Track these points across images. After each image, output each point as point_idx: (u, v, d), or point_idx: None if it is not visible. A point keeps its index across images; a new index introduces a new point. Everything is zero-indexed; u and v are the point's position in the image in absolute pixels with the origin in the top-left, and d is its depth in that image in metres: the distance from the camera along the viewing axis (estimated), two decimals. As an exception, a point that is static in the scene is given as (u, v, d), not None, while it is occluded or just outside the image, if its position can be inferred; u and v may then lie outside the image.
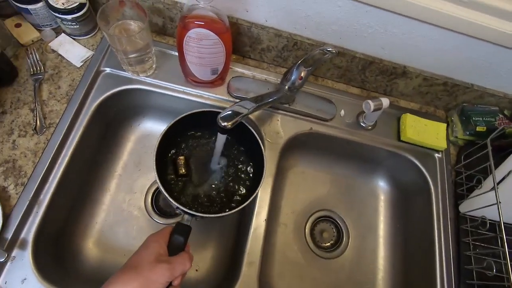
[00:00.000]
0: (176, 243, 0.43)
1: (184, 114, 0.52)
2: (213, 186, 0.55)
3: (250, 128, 0.52)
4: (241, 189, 0.55)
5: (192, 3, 0.47)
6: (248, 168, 0.57)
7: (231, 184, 0.56)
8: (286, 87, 0.58)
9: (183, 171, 0.53)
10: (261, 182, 0.49)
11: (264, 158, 0.51)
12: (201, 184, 0.55)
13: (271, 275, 0.65)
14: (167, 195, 0.45)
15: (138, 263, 0.39)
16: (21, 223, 0.48)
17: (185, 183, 0.54)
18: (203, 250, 0.63)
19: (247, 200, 0.48)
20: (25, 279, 0.46)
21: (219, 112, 0.44)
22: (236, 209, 0.47)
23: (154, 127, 0.71)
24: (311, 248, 0.69)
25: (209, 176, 0.56)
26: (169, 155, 0.55)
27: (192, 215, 0.46)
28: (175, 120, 0.51)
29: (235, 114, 0.44)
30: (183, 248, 0.44)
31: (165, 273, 0.38)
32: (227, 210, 0.47)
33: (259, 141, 0.52)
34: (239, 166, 0.57)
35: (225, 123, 0.43)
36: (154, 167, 0.47)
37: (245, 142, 0.57)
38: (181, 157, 0.54)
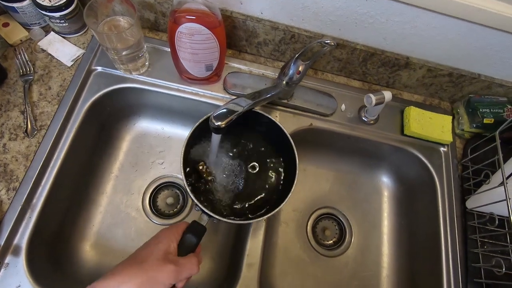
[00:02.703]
0: (188, 243, 0.41)
1: (206, 116, 0.48)
2: (235, 188, 0.53)
3: (284, 129, 0.50)
4: (265, 194, 0.54)
5: (182, -4, 0.45)
6: (274, 172, 0.55)
7: (254, 187, 0.54)
8: (284, 82, 0.56)
9: (209, 177, 0.52)
10: (291, 191, 0.47)
11: (297, 163, 0.48)
12: (223, 186, 0.53)
13: (273, 274, 0.63)
14: (191, 194, 0.43)
15: (145, 258, 0.37)
16: (14, 229, 0.47)
17: (206, 184, 0.53)
18: (203, 249, 0.62)
19: (273, 207, 0.46)
20: (19, 286, 0.45)
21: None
22: (262, 218, 0.46)
23: (150, 126, 0.69)
24: (313, 247, 0.68)
25: (231, 177, 0.54)
26: (191, 152, 0.53)
27: (211, 217, 0.44)
28: (196, 124, 0.48)
29: (229, 112, 0.42)
30: (194, 249, 0.42)
31: (171, 275, 0.36)
32: (250, 216, 0.46)
33: (293, 145, 0.50)
34: (265, 170, 0.55)
35: (219, 123, 0.41)
36: (182, 168, 0.45)
37: (276, 144, 0.55)
38: (201, 163, 0.52)
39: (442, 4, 0.48)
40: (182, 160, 0.45)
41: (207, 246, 0.62)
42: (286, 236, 0.67)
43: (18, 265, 0.46)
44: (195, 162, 0.52)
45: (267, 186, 0.54)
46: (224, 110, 0.42)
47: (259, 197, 0.53)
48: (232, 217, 0.48)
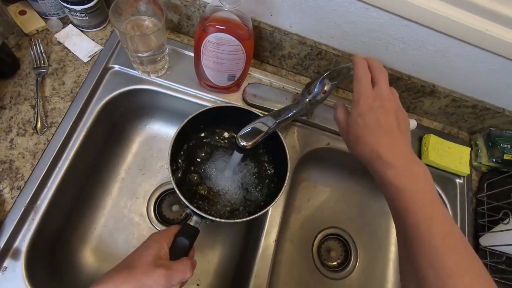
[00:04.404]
0: (180, 246, 0.39)
1: (200, 111, 0.48)
2: (229, 191, 0.52)
3: (282, 139, 0.49)
4: (257, 198, 0.52)
5: (216, 4, 0.43)
6: (268, 178, 0.54)
7: (248, 191, 0.52)
8: (307, 100, 0.54)
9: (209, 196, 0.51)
10: (278, 197, 0.45)
11: (287, 174, 0.47)
12: (215, 188, 0.52)
13: (275, 293, 0.62)
14: (179, 192, 0.42)
15: (134, 263, 0.36)
16: (15, 231, 0.45)
17: (198, 185, 0.51)
18: (206, 263, 0.60)
19: (261, 210, 0.45)
20: (16, 292, 0.43)
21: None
22: (249, 218, 0.44)
23: (161, 129, 0.67)
24: (317, 267, 0.66)
25: (225, 180, 0.52)
26: (183, 150, 0.52)
27: (202, 217, 0.42)
28: (192, 116, 0.48)
29: (256, 132, 0.40)
30: (187, 252, 0.40)
31: (161, 280, 0.34)
32: (240, 217, 0.44)
33: (287, 154, 0.48)
34: (260, 175, 0.54)
35: (244, 143, 0.39)
36: (169, 161, 0.44)
37: (271, 152, 0.53)
38: (202, 186, 0.51)
39: (479, 38, 0.47)
40: (169, 158, 0.44)
41: (211, 258, 0.61)
42: (291, 254, 0.66)
43: (17, 269, 0.44)
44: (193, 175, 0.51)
45: (263, 190, 0.53)
46: (250, 130, 0.40)
47: (250, 201, 0.52)
48: (220, 218, 0.46)
